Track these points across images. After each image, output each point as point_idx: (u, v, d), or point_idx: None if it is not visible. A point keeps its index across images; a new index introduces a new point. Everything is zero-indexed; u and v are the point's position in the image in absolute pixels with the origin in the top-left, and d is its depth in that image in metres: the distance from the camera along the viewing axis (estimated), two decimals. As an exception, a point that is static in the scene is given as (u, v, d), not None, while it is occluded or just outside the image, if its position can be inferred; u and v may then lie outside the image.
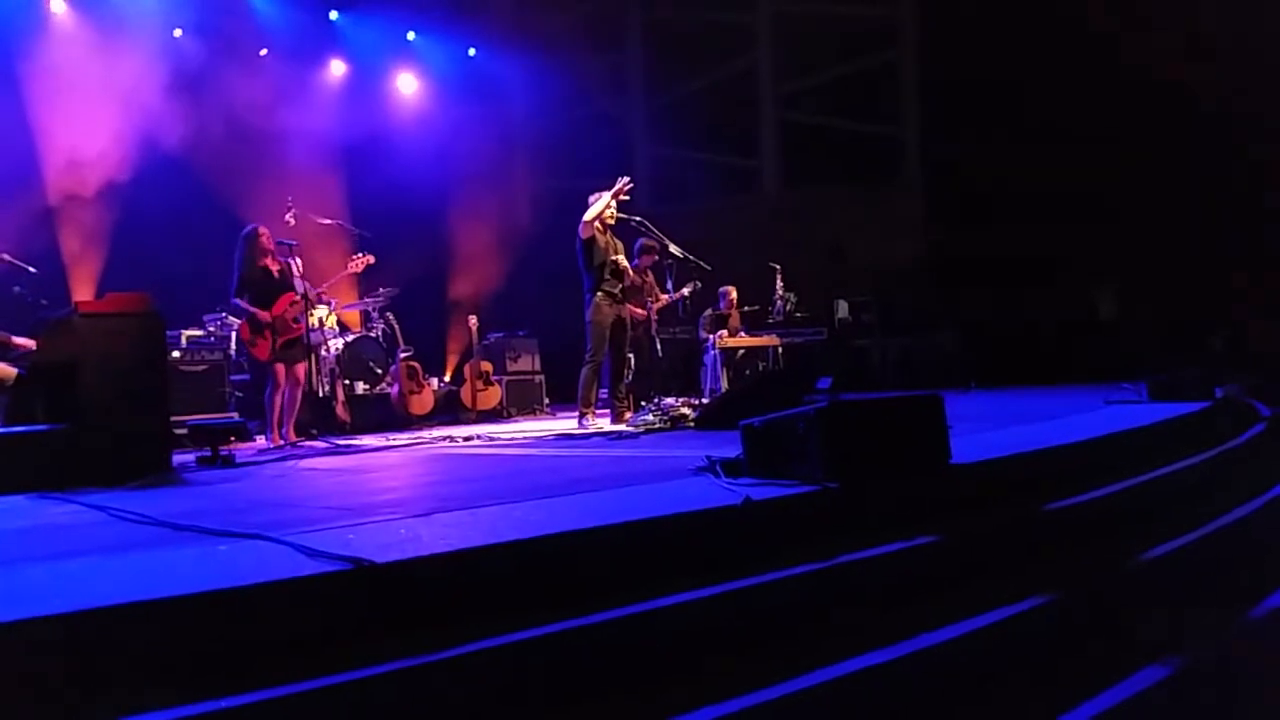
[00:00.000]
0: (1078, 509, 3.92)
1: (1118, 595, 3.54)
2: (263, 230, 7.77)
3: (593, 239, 8.07)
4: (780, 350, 10.93)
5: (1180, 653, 3.07)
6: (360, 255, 8.34)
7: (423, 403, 10.18)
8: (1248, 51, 10.52)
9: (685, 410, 7.85)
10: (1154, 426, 5.35)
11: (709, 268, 9.12)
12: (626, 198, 8.19)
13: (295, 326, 7.72)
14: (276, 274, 7.75)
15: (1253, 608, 3.61)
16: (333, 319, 9.85)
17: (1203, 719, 2.86)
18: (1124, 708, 2.72)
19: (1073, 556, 3.64)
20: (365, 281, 9.99)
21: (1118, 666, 2.94)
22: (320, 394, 9.25)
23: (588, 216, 8.01)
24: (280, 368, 7.69)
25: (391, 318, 10.32)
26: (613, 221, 8.26)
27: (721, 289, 11.20)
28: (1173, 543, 3.91)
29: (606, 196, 8.02)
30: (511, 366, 11.48)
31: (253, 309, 7.58)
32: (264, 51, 11.98)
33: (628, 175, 8.21)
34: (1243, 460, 5.48)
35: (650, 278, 9.68)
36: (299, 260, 8.23)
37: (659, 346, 9.33)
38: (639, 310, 9.15)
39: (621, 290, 8.28)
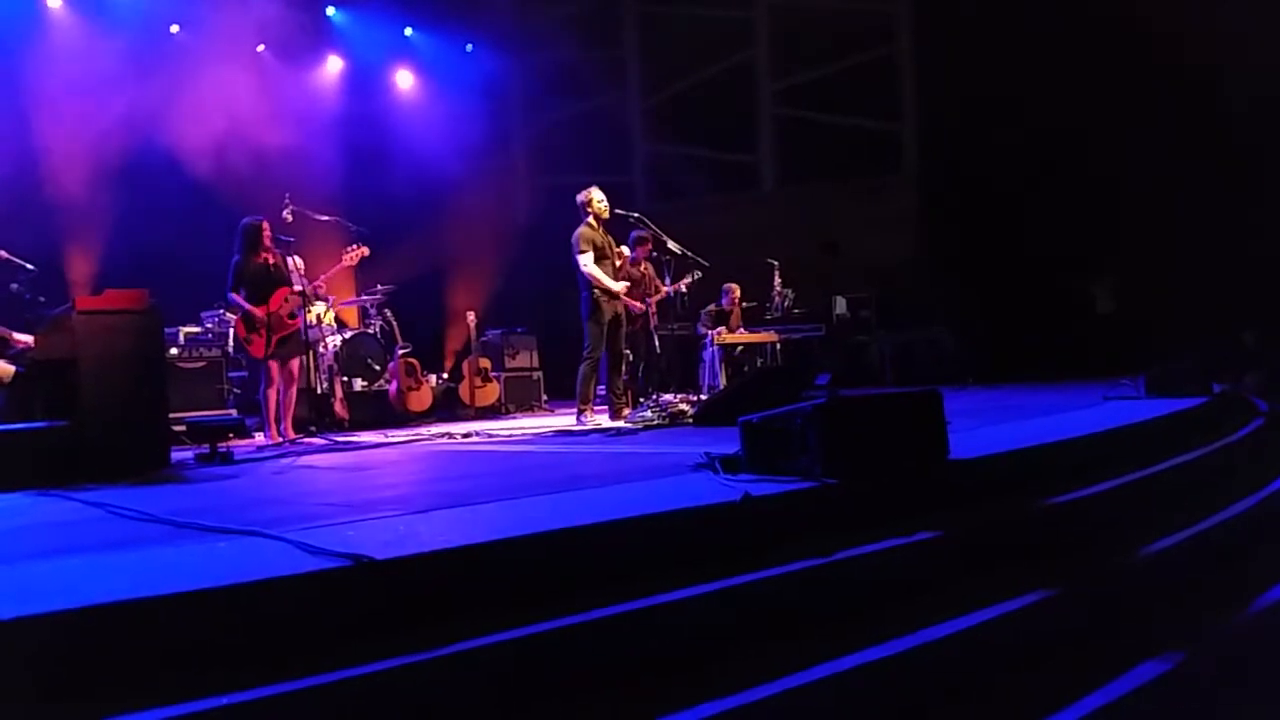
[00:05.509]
0: (1076, 504, 3.92)
1: (1117, 591, 3.54)
2: (264, 222, 7.72)
3: (589, 245, 8.07)
4: (778, 346, 10.94)
5: (1180, 648, 3.08)
6: (355, 247, 8.30)
7: (421, 399, 10.17)
8: (1251, 39, 10.50)
9: (684, 406, 7.84)
10: (1152, 422, 5.36)
11: (707, 264, 9.12)
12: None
13: (291, 323, 7.69)
14: (272, 269, 7.72)
15: (1252, 602, 3.62)
16: (330, 316, 9.84)
17: (1203, 713, 2.87)
18: (1124, 702, 2.73)
19: (1072, 552, 3.64)
20: (363, 278, 9.99)
21: (1118, 661, 2.94)
22: (319, 391, 9.24)
23: (582, 264, 8.05)
24: (274, 364, 7.66)
25: (390, 314, 10.31)
26: (607, 216, 8.28)
27: (725, 286, 11.21)
28: (1172, 538, 3.91)
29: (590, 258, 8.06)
30: (510, 363, 11.48)
31: (247, 305, 7.56)
32: (261, 47, 11.97)
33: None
34: (1242, 455, 5.49)
35: (649, 271, 9.68)
36: (298, 258, 8.22)
37: (657, 343, 9.33)
38: (637, 303, 9.15)
39: (618, 286, 8.29)
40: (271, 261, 7.70)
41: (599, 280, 8.07)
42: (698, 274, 9.65)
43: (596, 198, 8.22)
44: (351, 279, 10.01)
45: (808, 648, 2.59)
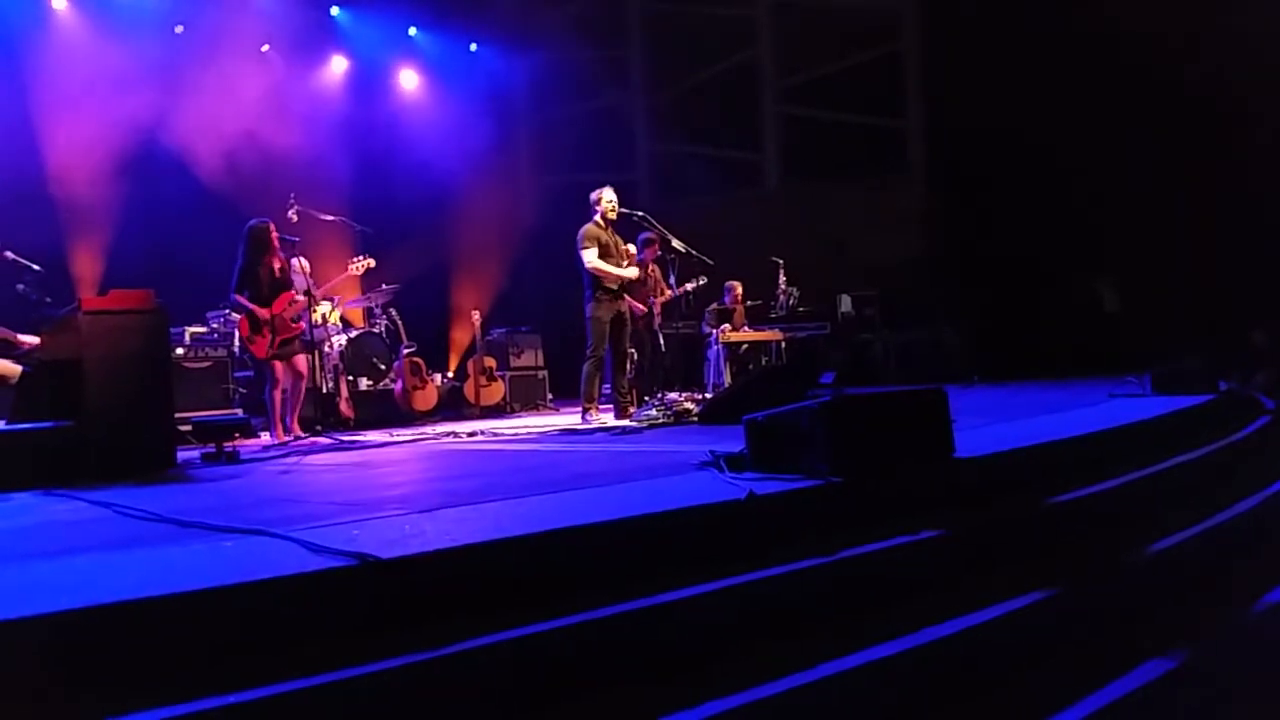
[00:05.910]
0: (1082, 502, 3.91)
1: (1121, 589, 3.53)
2: (270, 225, 7.74)
3: (593, 242, 8.08)
4: (783, 345, 10.93)
5: (1185, 647, 3.07)
6: (361, 259, 8.33)
7: (426, 398, 10.19)
8: (1251, 39, 10.46)
9: (689, 405, 7.84)
10: (1158, 420, 5.34)
11: (711, 262, 9.12)
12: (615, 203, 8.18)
13: (294, 326, 7.71)
14: (278, 272, 7.73)
15: (1258, 601, 3.61)
16: (336, 315, 9.86)
17: (1207, 713, 2.86)
18: (1128, 701, 2.72)
19: (1077, 550, 3.63)
20: (368, 277, 10.00)
21: (1122, 660, 2.94)
22: (324, 390, 9.26)
23: (587, 260, 8.03)
24: (278, 365, 7.67)
25: (395, 313, 10.33)
26: (614, 217, 8.28)
27: (726, 284, 11.21)
28: (1177, 536, 3.90)
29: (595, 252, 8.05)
30: (515, 362, 11.50)
31: (252, 306, 7.57)
32: (266, 47, 11.98)
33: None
34: (1248, 453, 5.47)
35: (655, 272, 9.67)
36: (304, 259, 8.22)
37: (662, 341, 9.32)
38: (639, 305, 9.15)
39: (621, 286, 8.28)
40: (278, 266, 7.72)
41: (606, 272, 8.05)
42: (703, 279, 9.65)
43: (607, 198, 8.23)
44: (356, 279, 10.03)
45: (812, 646, 2.59)
